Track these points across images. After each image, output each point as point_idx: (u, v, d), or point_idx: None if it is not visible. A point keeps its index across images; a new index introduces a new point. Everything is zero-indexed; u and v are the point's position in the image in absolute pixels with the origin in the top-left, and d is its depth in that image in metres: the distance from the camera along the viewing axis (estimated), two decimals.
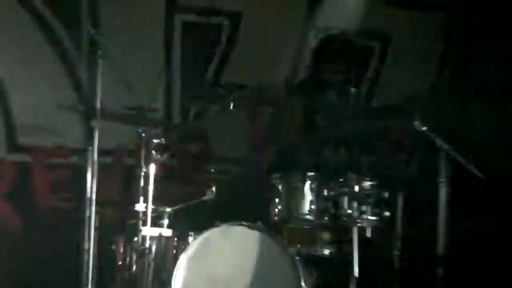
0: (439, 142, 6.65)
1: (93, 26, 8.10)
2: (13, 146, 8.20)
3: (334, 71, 7.23)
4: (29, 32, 8.19)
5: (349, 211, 6.65)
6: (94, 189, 6.68)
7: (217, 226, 6.51)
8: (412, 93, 7.87)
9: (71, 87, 8.28)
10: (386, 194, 6.75)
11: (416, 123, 6.70)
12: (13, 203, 8.11)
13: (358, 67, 7.27)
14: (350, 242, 6.51)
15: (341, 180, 6.71)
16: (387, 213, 6.76)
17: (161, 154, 6.80)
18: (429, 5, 8.92)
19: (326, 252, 6.73)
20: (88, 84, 8.11)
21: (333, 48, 7.30)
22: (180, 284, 6.31)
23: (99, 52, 6.88)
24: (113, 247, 6.85)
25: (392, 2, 8.89)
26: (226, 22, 8.66)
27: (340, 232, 6.70)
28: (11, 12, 8.12)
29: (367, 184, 6.73)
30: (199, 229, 6.52)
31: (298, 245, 6.66)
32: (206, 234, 6.47)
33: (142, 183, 6.69)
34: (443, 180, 6.62)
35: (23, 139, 8.20)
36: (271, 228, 6.57)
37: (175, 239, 6.70)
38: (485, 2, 8.78)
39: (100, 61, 6.87)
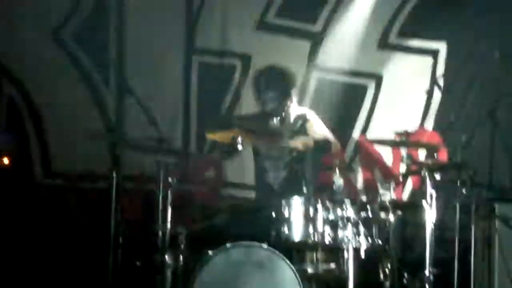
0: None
1: (119, 64, 8.22)
2: (48, 172, 8.25)
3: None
4: (62, 67, 8.25)
5: (346, 234, 6.68)
6: (118, 211, 6.75)
7: (227, 246, 6.53)
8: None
9: (100, 118, 8.35)
10: (380, 218, 6.77)
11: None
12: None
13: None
14: (346, 262, 6.55)
15: (339, 205, 6.73)
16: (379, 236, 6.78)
17: (179, 181, 6.81)
18: (422, 50, 8.92)
19: (324, 270, 6.74)
20: (115, 115, 8.20)
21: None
22: None
23: (125, 88, 6.95)
24: (138, 263, 6.86)
25: (385, 46, 8.88)
26: (237, 63, 8.71)
27: (337, 253, 6.72)
28: (44, 46, 8.18)
29: (361, 208, 6.77)
30: (212, 249, 6.54)
31: (301, 263, 6.68)
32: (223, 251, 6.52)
33: (161, 206, 6.70)
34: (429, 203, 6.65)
35: (56, 166, 8.23)
36: (276, 248, 6.59)
37: (192, 258, 6.71)
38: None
39: (126, 96, 6.94)
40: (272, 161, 7.37)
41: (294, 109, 7.29)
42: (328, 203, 6.75)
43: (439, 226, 7.03)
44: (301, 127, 7.35)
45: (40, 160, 8.21)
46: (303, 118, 7.28)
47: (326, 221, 6.72)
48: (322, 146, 7.24)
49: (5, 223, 7.83)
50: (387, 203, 6.91)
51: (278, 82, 7.26)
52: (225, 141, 6.91)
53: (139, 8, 8.35)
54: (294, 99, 7.26)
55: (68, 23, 8.28)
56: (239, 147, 6.89)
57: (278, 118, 7.23)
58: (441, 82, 8.82)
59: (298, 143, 7.26)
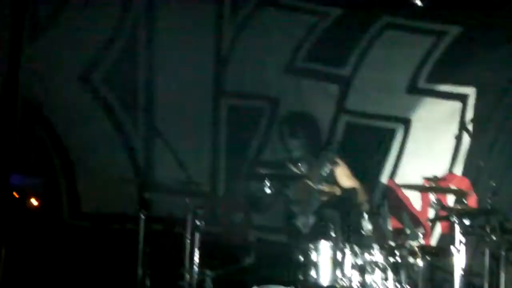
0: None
1: (148, 107, 8.26)
2: (77, 213, 8.27)
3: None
4: (93, 113, 8.32)
5: (374, 279, 6.73)
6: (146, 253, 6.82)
7: None
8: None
9: (129, 161, 8.36)
10: (409, 263, 6.80)
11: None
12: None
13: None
14: None
15: (367, 249, 6.79)
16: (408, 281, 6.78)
17: (207, 223, 6.88)
18: (450, 95, 8.90)
19: None
20: (144, 158, 8.23)
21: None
22: None
23: (155, 133, 6.96)
24: None
25: (414, 90, 8.87)
26: (266, 106, 8.72)
27: None
28: (76, 94, 8.28)
29: (390, 253, 6.80)
30: None
31: None
32: None
33: (188, 249, 6.77)
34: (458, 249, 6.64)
35: (85, 207, 8.26)
36: None
37: None
38: None
39: (155, 140, 6.97)
40: (301, 206, 7.30)
41: (322, 155, 7.20)
42: (356, 248, 6.79)
43: (468, 272, 7.03)
44: (329, 173, 7.32)
45: (69, 201, 8.24)
46: (331, 164, 7.22)
47: (354, 266, 6.76)
48: (349, 192, 7.24)
49: (34, 263, 7.86)
50: (416, 248, 6.93)
51: (302, 130, 7.31)
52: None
53: (168, 51, 8.40)
54: (321, 144, 7.27)
55: (97, 67, 8.34)
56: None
57: (305, 164, 7.24)
58: (470, 127, 8.80)
59: (326, 189, 7.28)
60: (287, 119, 7.49)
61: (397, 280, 6.80)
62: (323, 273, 6.77)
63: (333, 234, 7.01)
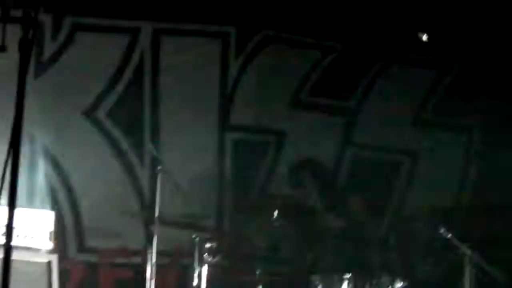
0: (463, 247, 6.66)
1: (154, 143, 8.19)
2: (82, 247, 8.22)
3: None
4: (98, 148, 8.33)
5: None
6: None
7: None
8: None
9: (134, 196, 8.35)
10: None
11: (442, 230, 6.68)
12: None
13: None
14: None
15: (375, 281, 6.75)
16: None
17: (213, 257, 6.88)
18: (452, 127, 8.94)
19: None
20: (149, 193, 8.17)
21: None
22: None
23: (159, 167, 7.10)
24: None
25: (420, 122, 8.92)
26: (272, 140, 8.73)
27: None
28: (82, 129, 8.27)
29: (399, 285, 6.73)
30: None
31: None
32: None
33: (196, 282, 6.79)
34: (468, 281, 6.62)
35: (90, 241, 8.22)
36: None
37: None
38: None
39: (159, 175, 7.07)
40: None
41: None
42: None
43: None
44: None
45: (74, 236, 8.21)
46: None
47: None
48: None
49: None
50: None
51: (310, 179, 7.27)
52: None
53: (173, 85, 8.42)
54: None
55: (102, 101, 8.36)
56: None
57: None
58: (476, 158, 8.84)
59: (338, 222, 7.27)
60: (295, 169, 7.49)
61: None
62: None
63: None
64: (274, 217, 6.98)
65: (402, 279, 6.84)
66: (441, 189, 8.70)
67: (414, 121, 8.89)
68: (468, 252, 6.77)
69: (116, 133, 8.38)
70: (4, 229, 5.42)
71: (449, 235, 6.85)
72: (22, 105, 4.11)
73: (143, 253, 7.21)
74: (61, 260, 6.89)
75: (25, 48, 4.11)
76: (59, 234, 7.39)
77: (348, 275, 6.81)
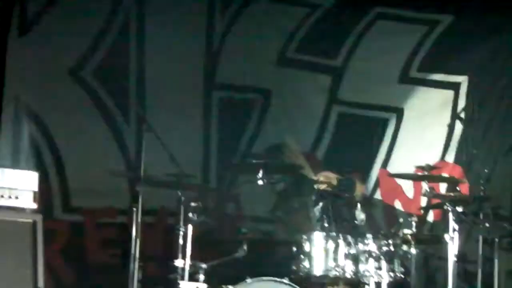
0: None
1: (139, 101, 8.24)
2: (67, 207, 8.21)
3: None
4: (84, 107, 8.30)
5: (367, 268, 6.75)
6: (138, 246, 6.82)
7: (247, 281, 6.62)
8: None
9: (120, 155, 8.33)
10: (402, 251, 6.83)
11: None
12: (66, 259, 8.09)
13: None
14: None
15: (359, 239, 6.81)
16: (401, 270, 6.80)
17: (199, 216, 6.87)
18: (443, 84, 8.96)
19: None
20: (135, 152, 8.16)
21: None
22: None
23: (145, 126, 7.09)
24: None
25: (406, 80, 8.93)
26: (258, 98, 8.72)
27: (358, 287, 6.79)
28: (67, 88, 8.24)
29: (383, 242, 6.80)
30: (231, 284, 6.63)
31: None
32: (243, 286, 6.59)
33: (181, 241, 6.76)
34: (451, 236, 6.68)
35: (75, 201, 8.21)
36: (297, 283, 6.68)
37: None
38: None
39: (145, 134, 7.07)
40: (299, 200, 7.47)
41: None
42: (349, 238, 6.82)
43: (462, 259, 7.07)
44: None
45: (60, 195, 8.20)
46: None
47: (347, 256, 6.79)
48: (345, 183, 7.26)
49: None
50: (409, 237, 6.93)
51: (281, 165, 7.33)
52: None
53: (159, 44, 8.37)
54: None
55: (88, 61, 8.32)
56: None
57: None
58: (462, 115, 8.87)
59: (322, 177, 7.27)
60: (264, 156, 7.52)
61: (391, 269, 6.81)
62: (316, 264, 6.78)
63: (326, 225, 7.10)
64: (259, 176, 6.88)
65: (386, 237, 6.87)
66: (426, 146, 8.77)
67: (401, 78, 8.91)
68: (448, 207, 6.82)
69: (102, 92, 8.35)
70: None
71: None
72: (4, 63, 4.04)
73: (129, 213, 7.18)
74: (46, 220, 6.85)
75: (7, 6, 4.04)
76: (44, 194, 7.41)
77: (333, 233, 6.85)
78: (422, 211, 8.47)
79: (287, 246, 6.96)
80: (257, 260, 7.04)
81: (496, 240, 7.34)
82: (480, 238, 7.34)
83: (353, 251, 6.81)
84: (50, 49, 8.18)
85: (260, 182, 6.93)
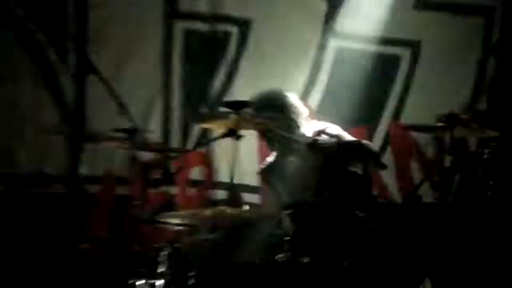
0: None
1: (80, 34, 7.94)
2: None
3: None
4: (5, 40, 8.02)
5: None
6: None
7: None
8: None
9: (54, 105, 8.01)
10: None
11: None
12: None
13: None
14: None
15: None
16: None
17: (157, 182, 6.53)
18: (471, 10, 8.63)
19: None
20: (74, 102, 7.90)
21: None
22: None
23: (88, 65, 7.24)
24: None
25: (424, 5, 8.59)
26: (234, 30, 8.36)
27: None
28: None
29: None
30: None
31: None
32: None
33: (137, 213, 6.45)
34: None
35: None
36: None
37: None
38: None
39: (88, 76, 7.13)
40: None
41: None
42: None
43: None
44: None
45: None
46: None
47: None
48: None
49: None
50: None
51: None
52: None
53: None
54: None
55: None
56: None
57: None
58: (497, 48, 8.58)
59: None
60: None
61: None
62: None
63: None
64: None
65: None
66: (450, 90, 8.46)
67: (417, 4, 8.49)
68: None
69: (29, 22, 7.98)
70: None
71: None
72: None
73: (66, 180, 7.14)
74: None
75: None
76: None
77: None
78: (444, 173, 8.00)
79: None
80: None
81: None
82: None
83: None
84: None
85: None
